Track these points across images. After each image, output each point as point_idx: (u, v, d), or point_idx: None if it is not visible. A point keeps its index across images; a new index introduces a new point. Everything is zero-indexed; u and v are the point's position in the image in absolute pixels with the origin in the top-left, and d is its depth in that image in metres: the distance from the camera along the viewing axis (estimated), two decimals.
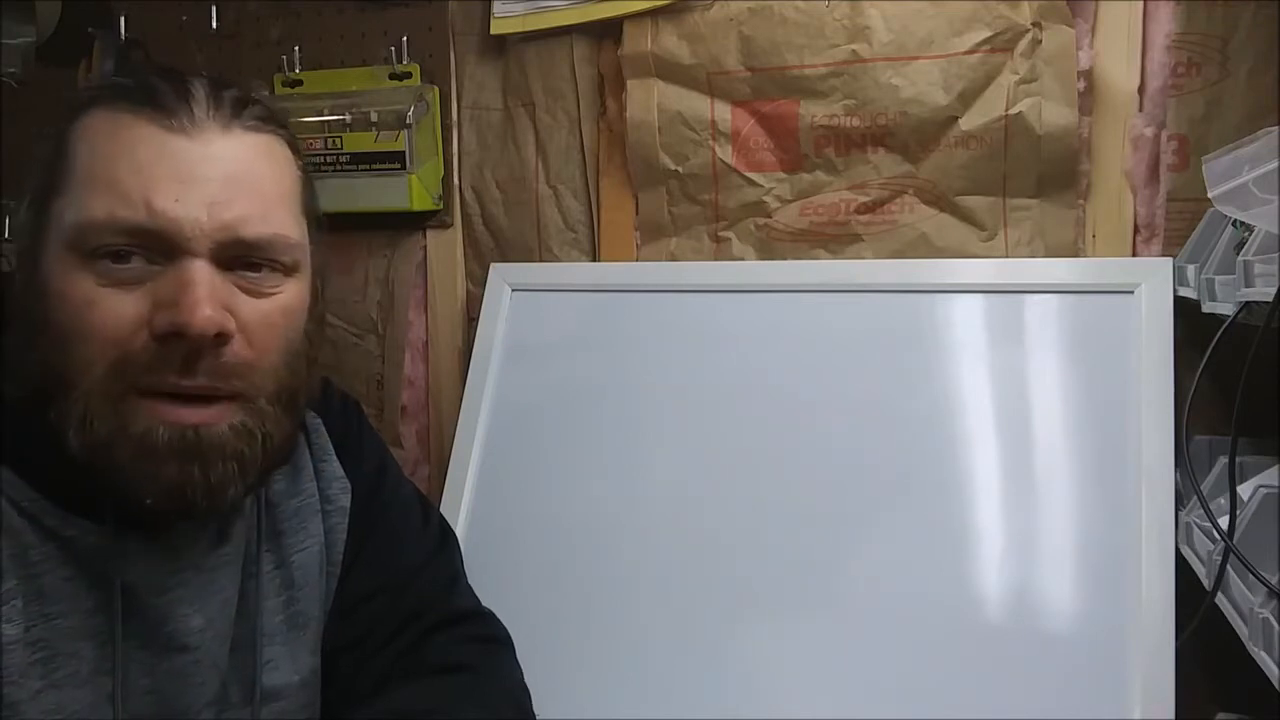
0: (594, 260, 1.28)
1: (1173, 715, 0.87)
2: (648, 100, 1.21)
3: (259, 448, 0.66)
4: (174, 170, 0.63)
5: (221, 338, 0.63)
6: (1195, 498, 0.85)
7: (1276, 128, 0.67)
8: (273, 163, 0.68)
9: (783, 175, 1.18)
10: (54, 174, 0.65)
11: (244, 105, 0.68)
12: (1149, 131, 1.05)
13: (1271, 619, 0.68)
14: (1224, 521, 0.77)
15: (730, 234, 1.21)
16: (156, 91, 0.65)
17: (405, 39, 1.31)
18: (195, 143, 0.64)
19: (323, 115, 1.30)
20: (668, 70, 1.20)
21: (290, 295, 0.68)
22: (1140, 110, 1.06)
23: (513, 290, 1.25)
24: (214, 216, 0.63)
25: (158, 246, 0.63)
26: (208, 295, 0.62)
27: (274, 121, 0.70)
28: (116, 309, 0.62)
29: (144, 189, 0.62)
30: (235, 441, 0.65)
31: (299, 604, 0.79)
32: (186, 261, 0.63)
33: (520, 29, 1.26)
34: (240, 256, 0.65)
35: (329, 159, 1.29)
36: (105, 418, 0.62)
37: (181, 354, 0.62)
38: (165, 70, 0.69)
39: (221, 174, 0.64)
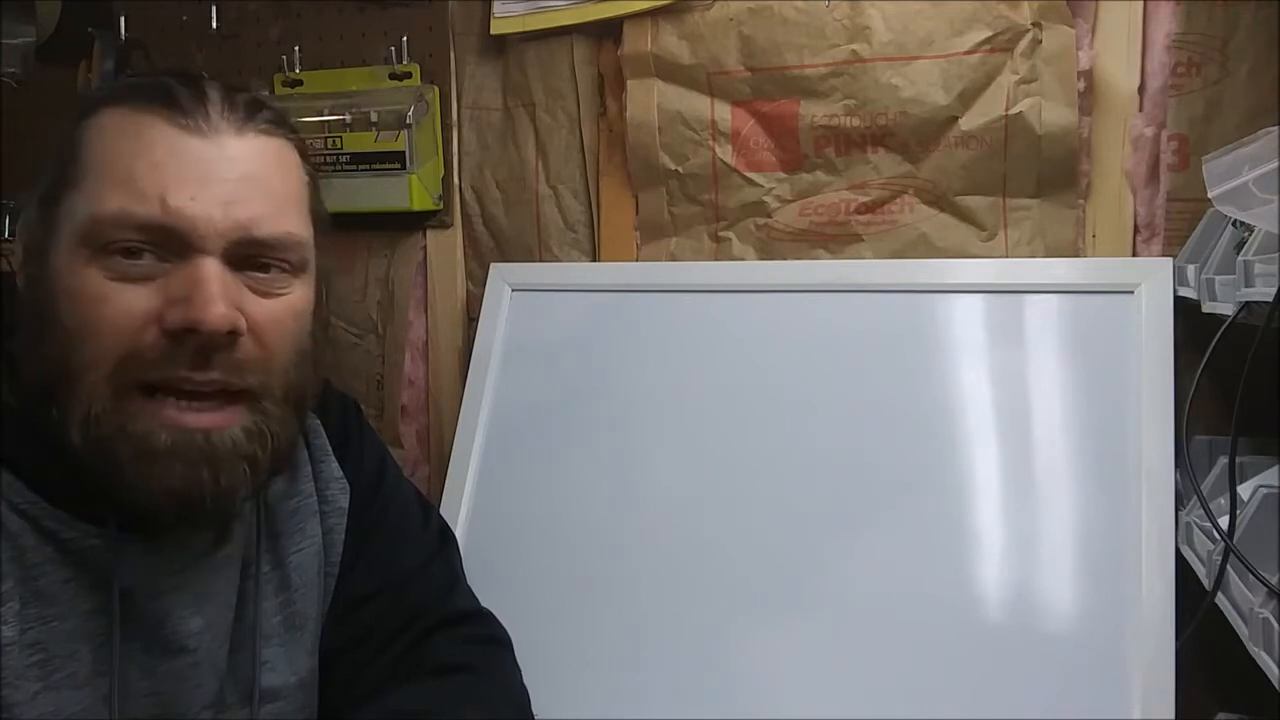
0: (594, 260, 1.27)
1: (1173, 715, 0.86)
2: (648, 100, 1.21)
3: (268, 450, 0.67)
4: (189, 169, 0.64)
5: (233, 335, 0.64)
6: (1195, 498, 0.85)
7: (1276, 128, 0.67)
8: (283, 166, 0.69)
9: (783, 175, 1.18)
10: (65, 170, 0.65)
11: (257, 109, 0.69)
12: (1149, 131, 1.05)
13: (1271, 619, 0.68)
14: (1224, 521, 0.77)
15: (730, 234, 1.21)
16: (172, 92, 0.66)
17: (405, 39, 1.31)
18: (210, 143, 0.65)
19: (323, 115, 1.30)
20: (668, 70, 1.20)
21: (298, 296, 0.69)
22: (1140, 110, 1.06)
23: (513, 290, 1.25)
24: (228, 215, 0.64)
25: (170, 244, 0.63)
26: (220, 292, 0.63)
27: (284, 126, 0.71)
28: (126, 304, 0.62)
29: (159, 186, 0.63)
30: (247, 444, 0.66)
31: (296, 605, 0.79)
32: (199, 259, 0.63)
33: (520, 29, 1.26)
34: (250, 256, 0.66)
35: (329, 159, 1.29)
36: (109, 415, 0.62)
37: (193, 350, 0.63)
38: (179, 72, 0.69)
39: (235, 174, 0.65)
